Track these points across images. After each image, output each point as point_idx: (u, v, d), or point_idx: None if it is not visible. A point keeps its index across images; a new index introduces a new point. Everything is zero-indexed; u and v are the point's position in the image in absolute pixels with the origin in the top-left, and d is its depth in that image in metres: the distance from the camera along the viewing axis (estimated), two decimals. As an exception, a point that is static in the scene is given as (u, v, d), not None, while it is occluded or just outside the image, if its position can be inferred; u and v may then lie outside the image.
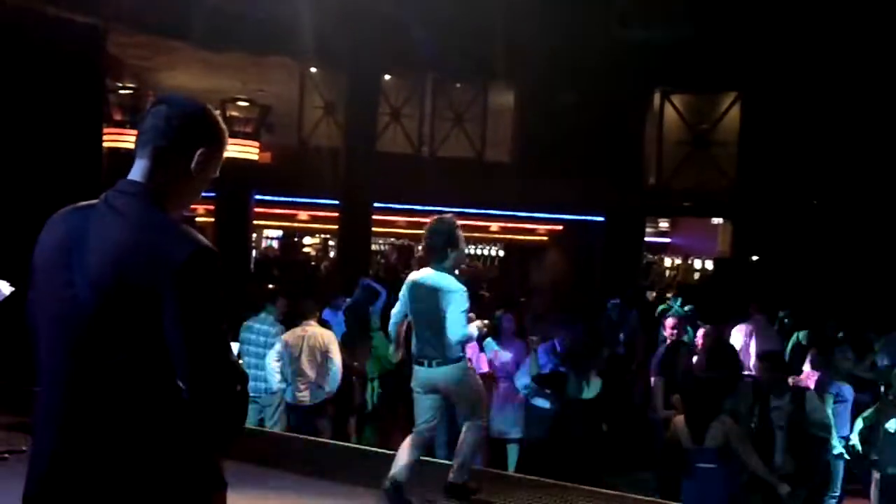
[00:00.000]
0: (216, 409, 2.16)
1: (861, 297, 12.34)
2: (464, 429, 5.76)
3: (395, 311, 5.88)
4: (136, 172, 2.28)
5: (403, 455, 5.60)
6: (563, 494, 6.09)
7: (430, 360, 5.61)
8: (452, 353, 5.57)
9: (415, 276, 5.82)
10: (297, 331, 8.01)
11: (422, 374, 5.67)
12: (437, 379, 5.63)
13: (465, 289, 5.57)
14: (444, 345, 5.54)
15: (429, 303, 5.58)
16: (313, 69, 20.09)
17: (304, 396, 7.97)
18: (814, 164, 16.74)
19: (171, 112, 2.30)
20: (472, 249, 28.43)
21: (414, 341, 5.73)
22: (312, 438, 7.45)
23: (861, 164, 16.21)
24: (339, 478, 6.19)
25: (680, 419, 6.18)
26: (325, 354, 7.92)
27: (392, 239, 25.80)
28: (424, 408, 5.74)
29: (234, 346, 5.49)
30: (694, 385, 6.28)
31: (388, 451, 6.22)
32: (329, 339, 8.02)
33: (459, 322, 5.48)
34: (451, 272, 5.63)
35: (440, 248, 5.61)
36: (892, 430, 6.33)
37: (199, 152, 2.30)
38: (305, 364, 7.88)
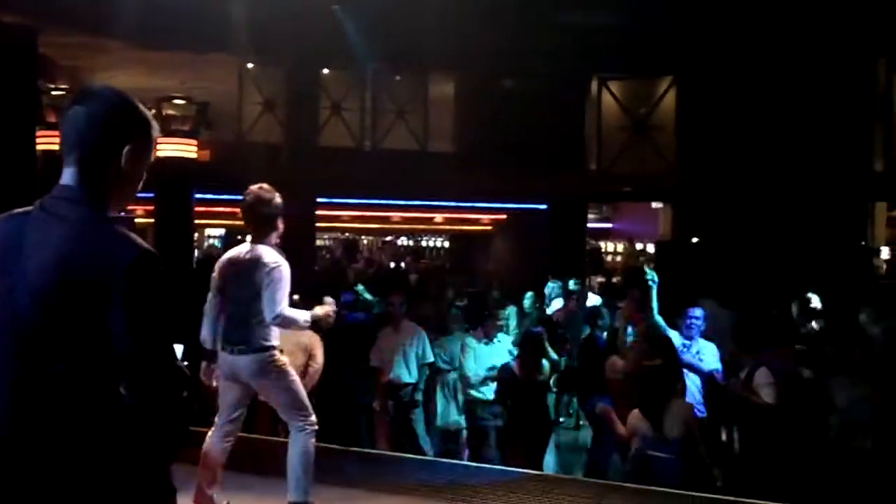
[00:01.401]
0: (162, 414, 2.14)
1: (797, 277, 12.59)
2: (290, 438, 5.24)
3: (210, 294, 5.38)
4: (68, 178, 2.23)
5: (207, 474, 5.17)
6: (516, 480, 6.15)
7: (233, 345, 5.19)
8: (259, 339, 5.12)
9: (230, 253, 5.43)
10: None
11: (225, 360, 5.25)
12: (240, 368, 5.20)
13: (286, 264, 5.16)
14: (252, 329, 5.13)
15: (242, 280, 5.16)
16: (251, 65, 19.91)
17: None
18: (751, 145, 17.01)
19: (88, 112, 2.22)
20: (420, 241, 28.55)
21: (222, 324, 5.28)
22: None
23: (797, 144, 16.51)
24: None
25: (635, 413, 6.16)
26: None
27: (337, 233, 25.75)
28: (228, 401, 5.32)
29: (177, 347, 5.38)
30: (642, 375, 6.29)
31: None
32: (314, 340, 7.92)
33: (276, 301, 5.02)
34: (274, 246, 5.26)
35: (263, 221, 5.28)
36: None
37: (126, 149, 2.24)
38: None
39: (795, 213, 16.50)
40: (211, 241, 25.23)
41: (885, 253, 19.96)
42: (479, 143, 19.09)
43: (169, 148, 15.17)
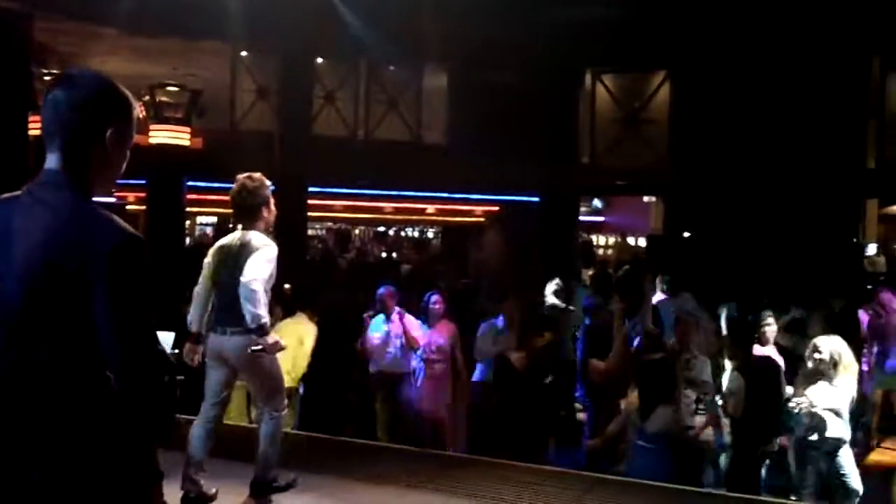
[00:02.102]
0: (146, 398, 2.14)
1: (788, 273, 12.64)
2: (262, 421, 5.38)
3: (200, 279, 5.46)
4: (52, 162, 2.23)
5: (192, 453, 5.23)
6: (504, 471, 6.17)
7: (224, 327, 5.24)
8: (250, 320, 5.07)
9: (222, 240, 5.49)
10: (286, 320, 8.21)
11: (213, 342, 5.31)
12: (230, 349, 5.24)
13: (275, 246, 5.23)
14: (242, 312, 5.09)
15: (233, 264, 5.21)
16: (244, 53, 19.86)
17: None
18: (744, 141, 17.04)
19: (69, 97, 2.22)
20: (409, 232, 28.54)
21: (215, 308, 5.35)
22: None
23: (790, 140, 16.55)
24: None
25: (634, 398, 6.20)
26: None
27: (329, 223, 25.71)
28: (213, 383, 5.39)
29: (166, 336, 5.38)
30: (643, 367, 6.33)
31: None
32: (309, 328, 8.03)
33: (256, 268, 5.06)
34: (264, 233, 5.32)
35: (250, 209, 5.34)
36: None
37: (109, 132, 2.24)
38: None
39: (787, 209, 16.54)
40: (203, 228, 25.19)
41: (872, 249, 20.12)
42: (472, 134, 19.08)
43: (161, 135, 15.16)
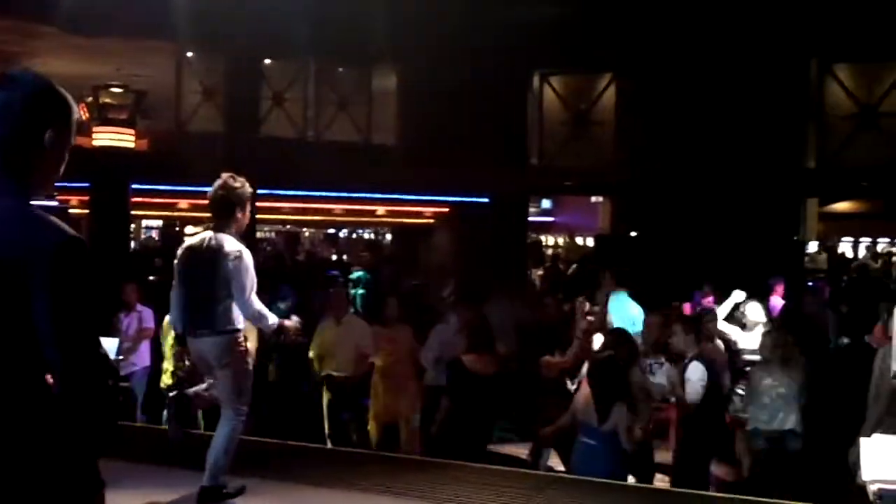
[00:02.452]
0: (88, 403, 2.10)
1: (731, 271, 12.80)
2: (221, 421, 5.31)
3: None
4: None
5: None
6: (456, 473, 6.16)
7: (198, 329, 5.30)
8: (222, 322, 5.21)
9: (190, 241, 5.51)
10: None
11: (192, 344, 5.41)
12: (205, 351, 5.32)
13: (248, 251, 5.28)
14: (214, 313, 5.21)
15: (203, 267, 5.24)
16: (190, 53, 19.64)
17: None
18: (688, 141, 17.27)
19: (7, 98, 2.19)
20: (363, 234, 28.48)
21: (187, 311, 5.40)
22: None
23: (732, 141, 16.81)
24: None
25: (584, 394, 6.20)
26: None
27: (278, 226, 25.55)
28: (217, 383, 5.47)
29: (111, 342, 5.31)
30: (599, 365, 6.32)
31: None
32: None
33: (245, 288, 5.16)
34: (235, 236, 5.33)
35: (226, 207, 5.33)
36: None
37: (48, 134, 2.22)
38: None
39: (731, 208, 16.80)
40: (148, 232, 24.87)
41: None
42: (421, 136, 19.10)
43: (105, 137, 14.93)
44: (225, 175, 5.38)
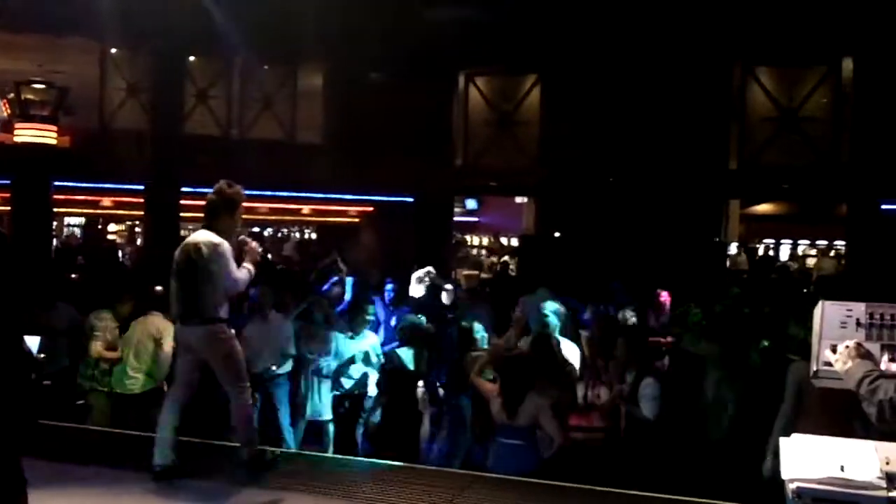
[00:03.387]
0: (8, 398, 2.09)
1: (653, 272, 13.08)
2: (231, 403, 5.89)
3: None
4: None
5: (161, 432, 5.78)
6: (377, 472, 6.22)
7: (186, 318, 5.83)
8: (209, 312, 5.74)
9: (187, 239, 6.07)
10: (139, 319, 8.31)
11: (181, 333, 5.99)
12: (192, 339, 5.83)
13: (227, 243, 5.81)
14: (202, 304, 5.75)
15: (191, 262, 5.80)
16: (114, 50, 19.41)
17: (134, 385, 8.13)
18: (612, 142, 17.61)
19: None
20: (289, 233, 28.35)
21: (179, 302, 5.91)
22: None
23: (655, 142, 17.19)
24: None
25: (495, 392, 6.30)
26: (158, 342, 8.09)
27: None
28: (181, 369, 6.02)
29: (34, 340, 5.34)
30: (507, 361, 6.46)
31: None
32: (164, 327, 8.05)
33: (229, 272, 5.73)
34: (221, 235, 5.84)
35: (216, 209, 5.92)
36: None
37: None
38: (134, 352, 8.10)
39: (653, 208, 17.17)
40: (71, 229, 24.45)
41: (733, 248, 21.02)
42: (346, 135, 19.15)
43: (27, 134, 14.74)
44: (223, 181, 5.97)
